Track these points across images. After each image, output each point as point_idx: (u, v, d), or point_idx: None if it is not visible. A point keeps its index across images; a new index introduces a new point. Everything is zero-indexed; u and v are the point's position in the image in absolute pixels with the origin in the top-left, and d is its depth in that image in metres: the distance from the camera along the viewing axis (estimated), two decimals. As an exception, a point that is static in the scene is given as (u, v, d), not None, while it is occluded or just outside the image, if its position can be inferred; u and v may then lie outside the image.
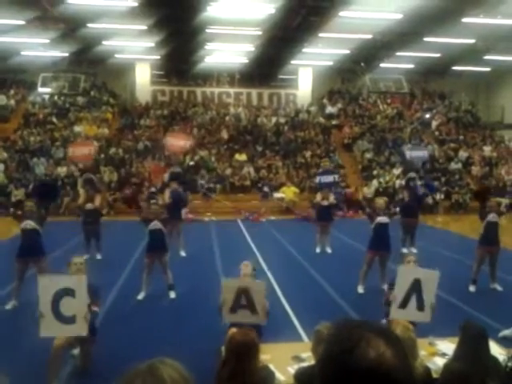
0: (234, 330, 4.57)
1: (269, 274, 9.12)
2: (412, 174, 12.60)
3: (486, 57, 20.17)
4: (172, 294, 7.80)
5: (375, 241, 8.04)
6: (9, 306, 7.10)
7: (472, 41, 17.74)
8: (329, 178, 11.99)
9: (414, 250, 10.30)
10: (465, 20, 14.85)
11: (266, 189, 17.57)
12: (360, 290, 8.03)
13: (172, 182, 11.15)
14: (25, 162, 18.86)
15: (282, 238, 13.09)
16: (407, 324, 4.05)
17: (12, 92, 22.92)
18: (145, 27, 15.83)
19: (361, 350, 0.98)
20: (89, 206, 10.38)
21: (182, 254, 10.71)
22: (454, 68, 22.87)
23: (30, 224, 7.27)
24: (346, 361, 0.98)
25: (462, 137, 23.19)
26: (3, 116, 21.63)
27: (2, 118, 21.55)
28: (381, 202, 8.42)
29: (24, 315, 6.26)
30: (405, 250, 10.36)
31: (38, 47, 18.91)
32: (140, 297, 7.67)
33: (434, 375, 3.62)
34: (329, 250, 11.28)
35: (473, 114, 25.54)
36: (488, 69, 22.68)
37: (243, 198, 18.55)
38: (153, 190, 12.68)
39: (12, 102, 22.44)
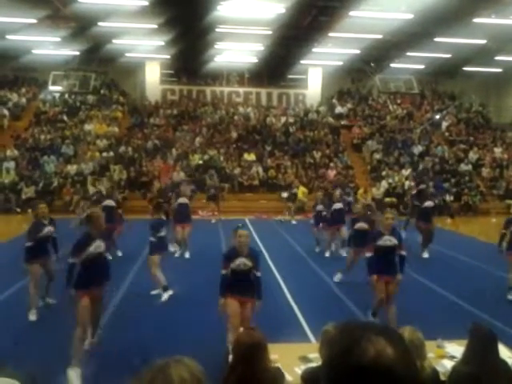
0: (241, 329, 4.58)
1: (277, 275, 9.13)
2: (423, 186, 12.59)
3: (497, 57, 20.00)
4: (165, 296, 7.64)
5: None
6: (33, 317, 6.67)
7: (483, 41, 17.59)
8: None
9: (426, 255, 10.70)
10: (476, 20, 14.73)
11: (293, 191, 17.50)
12: None
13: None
14: (35, 160, 19.02)
15: (290, 238, 13.09)
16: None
17: (23, 90, 23.17)
18: (155, 26, 15.88)
19: (361, 348, 0.99)
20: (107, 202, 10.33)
21: (187, 255, 10.74)
22: (465, 69, 22.69)
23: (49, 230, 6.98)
24: (347, 360, 0.99)
25: (472, 138, 23.02)
26: (14, 114, 21.83)
27: (14, 116, 21.75)
28: (391, 216, 7.35)
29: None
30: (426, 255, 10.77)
31: (49, 46, 19.05)
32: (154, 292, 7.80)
33: (442, 378, 3.60)
34: (344, 254, 10.54)
35: (483, 115, 25.36)
36: (499, 69, 22.48)
37: (252, 197, 18.58)
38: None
39: (23, 100, 22.67)
